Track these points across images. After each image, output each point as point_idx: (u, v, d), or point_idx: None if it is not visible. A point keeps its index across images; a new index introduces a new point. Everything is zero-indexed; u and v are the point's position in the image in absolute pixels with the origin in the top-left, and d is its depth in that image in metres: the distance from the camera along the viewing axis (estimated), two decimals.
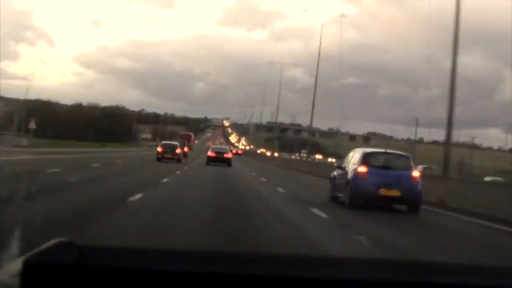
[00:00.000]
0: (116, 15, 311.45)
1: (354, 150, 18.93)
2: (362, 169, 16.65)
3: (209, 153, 46.81)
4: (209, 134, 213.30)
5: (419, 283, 1.86)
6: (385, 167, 17.05)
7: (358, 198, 16.44)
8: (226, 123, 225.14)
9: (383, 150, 18.55)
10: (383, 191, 16.43)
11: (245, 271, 1.81)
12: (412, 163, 18.17)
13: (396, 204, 16.97)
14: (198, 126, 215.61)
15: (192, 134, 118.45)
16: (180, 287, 1.73)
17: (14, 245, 1.96)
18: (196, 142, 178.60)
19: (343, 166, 18.50)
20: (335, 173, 19.11)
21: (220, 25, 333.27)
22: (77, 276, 1.67)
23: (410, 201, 16.68)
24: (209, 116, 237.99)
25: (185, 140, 75.74)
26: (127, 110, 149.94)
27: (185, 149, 59.85)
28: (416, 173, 17.34)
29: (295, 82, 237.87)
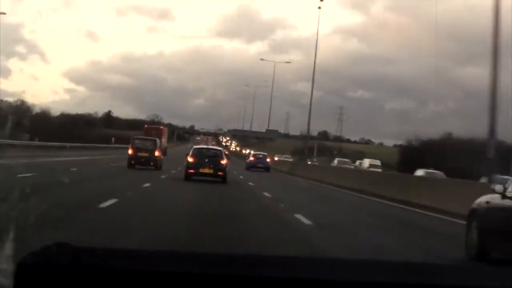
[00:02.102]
0: (108, 28, 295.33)
1: (250, 152, 66.53)
2: (252, 158, 52.99)
3: (189, 159, 27.56)
4: (198, 138, 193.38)
5: (418, 284, 1.86)
6: (259, 157, 52.63)
7: (250, 167, 49.20)
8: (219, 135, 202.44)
9: (260, 153, 57.99)
10: (258, 165, 49.79)
11: (240, 272, 1.81)
12: (267, 156, 54.26)
13: (262, 169, 48.36)
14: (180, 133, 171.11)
15: (165, 129, 75.03)
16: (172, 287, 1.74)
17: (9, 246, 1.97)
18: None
19: (249, 157, 56.53)
20: (247, 160, 55.38)
21: (218, 37, 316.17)
22: (71, 277, 1.67)
23: (266, 168, 49.38)
24: (197, 126, 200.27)
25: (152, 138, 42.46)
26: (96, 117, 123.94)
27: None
28: (268, 159, 52.85)
29: (301, 97, 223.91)
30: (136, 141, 35.36)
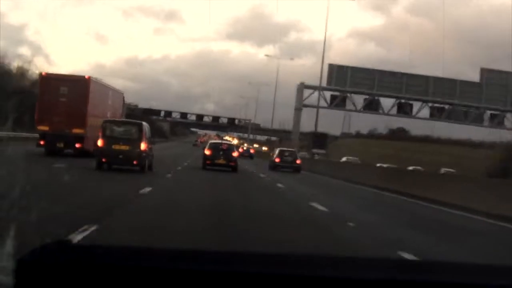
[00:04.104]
0: (114, 30, 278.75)
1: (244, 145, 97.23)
2: (241, 149, 67.53)
3: (206, 151, 32.42)
4: (200, 132, 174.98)
5: (420, 282, 1.86)
6: (246, 150, 78.03)
7: (241, 156, 52.65)
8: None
9: (247, 146, 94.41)
10: (244, 154, 70.07)
11: (239, 269, 1.81)
12: (251, 148, 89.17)
13: (247, 158, 68.84)
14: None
15: (99, 83, 33.40)
16: (174, 285, 1.74)
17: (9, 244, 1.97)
18: (197, 142, 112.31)
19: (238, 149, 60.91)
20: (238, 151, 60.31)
21: (227, 39, 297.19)
22: (71, 274, 1.68)
23: (251, 157, 71.84)
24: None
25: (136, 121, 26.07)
26: None
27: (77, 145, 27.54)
28: (252, 150, 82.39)
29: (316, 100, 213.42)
30: (109, 126, 23.80)
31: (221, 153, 31.41)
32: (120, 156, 22.75)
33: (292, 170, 39.59)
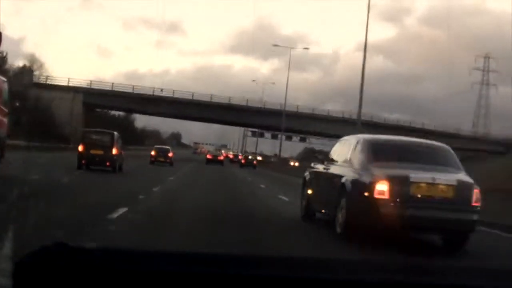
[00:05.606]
0: (114, 42, 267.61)
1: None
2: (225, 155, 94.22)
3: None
4: (199, 144, 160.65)
5: (418, 284, 1.85)
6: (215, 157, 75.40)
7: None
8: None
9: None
10: (232, 156, 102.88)
11: (238, 272, 1.80)
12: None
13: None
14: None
15: None
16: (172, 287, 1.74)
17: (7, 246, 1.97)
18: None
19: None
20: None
21: (231, 53, 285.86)
22: (70, 276, 1.67)
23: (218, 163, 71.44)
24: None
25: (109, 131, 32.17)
26: None
27: None
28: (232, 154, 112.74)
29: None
30: (88, 135, 30.58)
31: (161, 153, 48.98)
32: (97, 159, 28.84)
33: (252, 167, 65.44)
